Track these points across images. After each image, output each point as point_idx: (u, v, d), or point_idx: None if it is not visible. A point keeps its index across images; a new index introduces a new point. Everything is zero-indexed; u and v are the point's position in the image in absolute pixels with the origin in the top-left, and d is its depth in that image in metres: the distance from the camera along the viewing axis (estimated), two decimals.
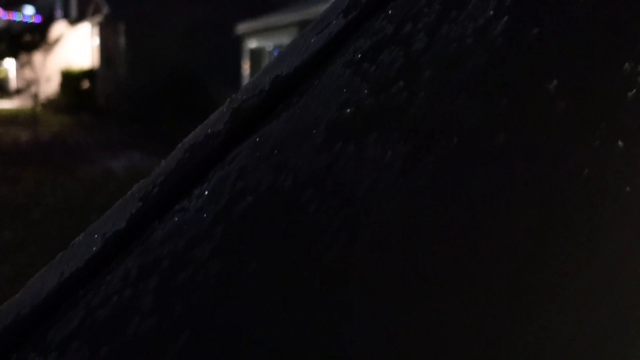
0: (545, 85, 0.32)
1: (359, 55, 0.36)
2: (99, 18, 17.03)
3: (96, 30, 17.89)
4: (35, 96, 17.72)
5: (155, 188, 0.36)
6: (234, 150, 0.36)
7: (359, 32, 0.38)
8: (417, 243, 0.30)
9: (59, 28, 20.98)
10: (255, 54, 11.05)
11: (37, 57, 19.87)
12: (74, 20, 20.51)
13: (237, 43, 12.24)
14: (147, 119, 13.16)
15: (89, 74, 17.97)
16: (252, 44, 11.11)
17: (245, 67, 11.51)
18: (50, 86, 19.56)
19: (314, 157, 0.33)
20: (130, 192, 0.39)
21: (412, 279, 0.30)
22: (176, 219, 0.34)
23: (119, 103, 14.96)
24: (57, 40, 20.17)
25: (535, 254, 0.30)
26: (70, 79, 17.94)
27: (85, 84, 17.76)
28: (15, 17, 21.94)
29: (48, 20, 22.31)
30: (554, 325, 0.30)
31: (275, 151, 0.34)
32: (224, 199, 0.33)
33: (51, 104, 18.41)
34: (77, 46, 19.71)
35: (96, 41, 17.99)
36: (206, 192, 0.34)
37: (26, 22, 21.82)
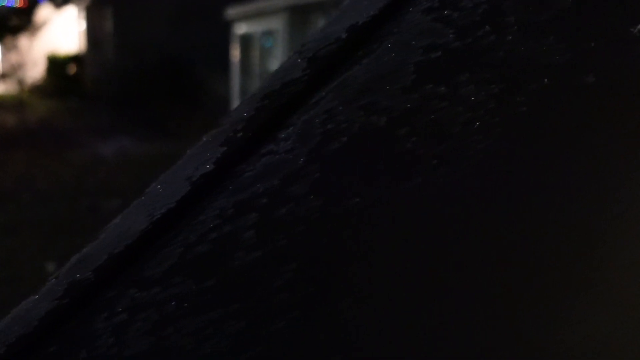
0: (630, 29, 0.33)
1: (438, 3, 0.37)
2: (85, 1, 16.86)
3: (82, 13, 17.70)
4: (21, 81, 17.54)
5: (237, 133, 0.37)
6: (316, 95, 0.36)
7: None
8: (512, 177, 0.31)
9: (44, 11, 20.74)
10: (245, 40, 10.97)
11: (23, 41, 19.65)
12: (59, 3, 20.26)
13: (226, 28, 12.16)
14: (135, 104, 13.06)
15: (75, 58, 17.80)
16: (242, 29, 11.03)
17: (235, 53, 11.43)
18: (36, 71, 19.36)
19: (405, 97, 0.34)
20: (203, 139, 0.40)
21: (506, 208, 0.31)
22: (265, 160, 0.34)
23: (107, 87, 14.84)
24: (42, 24, 19.95)
25: (622, 187, 0.31)
26: (56, 63, 17.77)
27: (72, 69, 17.61)
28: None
29: (32, 3, 22.04)
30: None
31: (363, 94, 0.35)
32: (315, 140, 0.34)
33: (38, 89, 18.23)
34: (63, 30, 19.50)
35: (83, 25, 17.81)
36: (294, 135, 0.35)
37: (10, 6, 21.54)
